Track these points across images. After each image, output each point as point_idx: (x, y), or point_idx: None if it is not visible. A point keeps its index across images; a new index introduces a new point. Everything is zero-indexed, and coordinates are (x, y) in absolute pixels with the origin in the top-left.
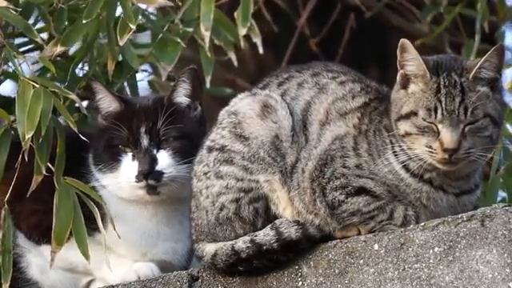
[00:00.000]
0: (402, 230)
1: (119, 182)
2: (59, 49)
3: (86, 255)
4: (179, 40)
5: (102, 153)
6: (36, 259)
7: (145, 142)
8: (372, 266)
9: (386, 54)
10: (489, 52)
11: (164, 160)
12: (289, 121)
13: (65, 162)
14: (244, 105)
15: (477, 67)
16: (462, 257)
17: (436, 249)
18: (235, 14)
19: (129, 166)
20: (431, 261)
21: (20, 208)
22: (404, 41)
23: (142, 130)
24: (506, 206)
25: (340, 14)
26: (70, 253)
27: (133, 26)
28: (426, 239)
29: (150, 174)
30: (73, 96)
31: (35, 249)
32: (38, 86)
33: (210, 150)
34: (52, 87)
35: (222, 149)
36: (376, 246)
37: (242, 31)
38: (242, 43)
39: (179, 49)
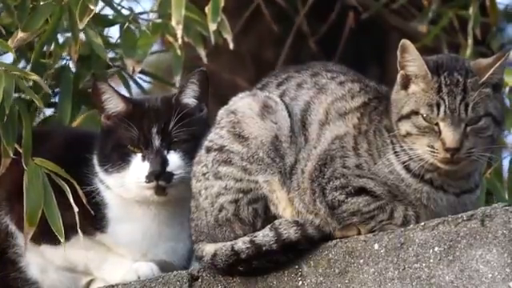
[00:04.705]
0: (402, 229)
1: (127, 182)
2: (20, 34)
3: (60, 234)
4: (145, 29)
5: (109, 153)
6: (36, 259)
7: (156, 142)
8: (372, 265)
9: (385, 53)
10: (501, 57)
11: (174, 161)
12: (288, 121)
13: (66, 163)
14: (244, 104)
15: (490, 73)
16: (462, 256)
17: (436, 248)
18: (206, 9)
19: (139, 166)
20: (431, 260)
21: (20, 208)
22: (405, 41)
23: (154, 130)
24: (505, 206)
25: (340, 12)
26: (69, 252)
27: (93, 7)
28: (426, 239)
29: (161, 175)
30: (35, 77)
31: (35, 248)
32: None
33: (209, 150)
34: (14, 70)
35: (220, 149)
36: (376, 246)
37: (213, 26)
38: (213, 38)
39: (149, 45)
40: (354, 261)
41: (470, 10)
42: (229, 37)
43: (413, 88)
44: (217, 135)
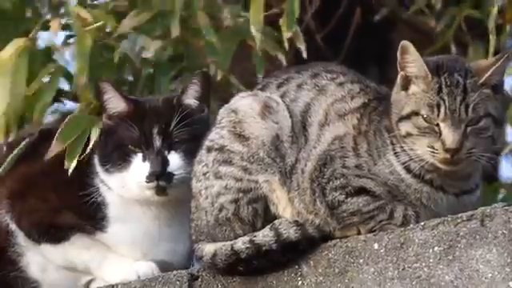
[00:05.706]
0: (402, 229)
1: (127, 182)
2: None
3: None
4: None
5: (110, 153)
6: (36, 258)
7: (157, 143)
8: (372, 265)
9: (389, 49)
10: (500, 58)
11: (175, 162)
12: (289, 121)
13: None
14: (245, 103)
15: (488, 74)
16: (461, 256)
17: (436, 248)
18: (280, 20)
19: (139, 166)
20: (431, 260)
21: (21, 206)
22: (405, 42)
23: (155, 131)
24: (505, 206)
25: (347, 9)
26: (70, 252)
27: None
28: (425, 239)
29: (161, 176)
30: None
31: (35, 248)
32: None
33: (209, 150)
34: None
35: (221, 149)
36: (376, 246)
37: (287, 35)
38: (287, 45)
39: (231, 49)
40: (353, 260)
41: (489, 19)
42: (302, 46)
43: (413, 89)
44: (217, 135)
